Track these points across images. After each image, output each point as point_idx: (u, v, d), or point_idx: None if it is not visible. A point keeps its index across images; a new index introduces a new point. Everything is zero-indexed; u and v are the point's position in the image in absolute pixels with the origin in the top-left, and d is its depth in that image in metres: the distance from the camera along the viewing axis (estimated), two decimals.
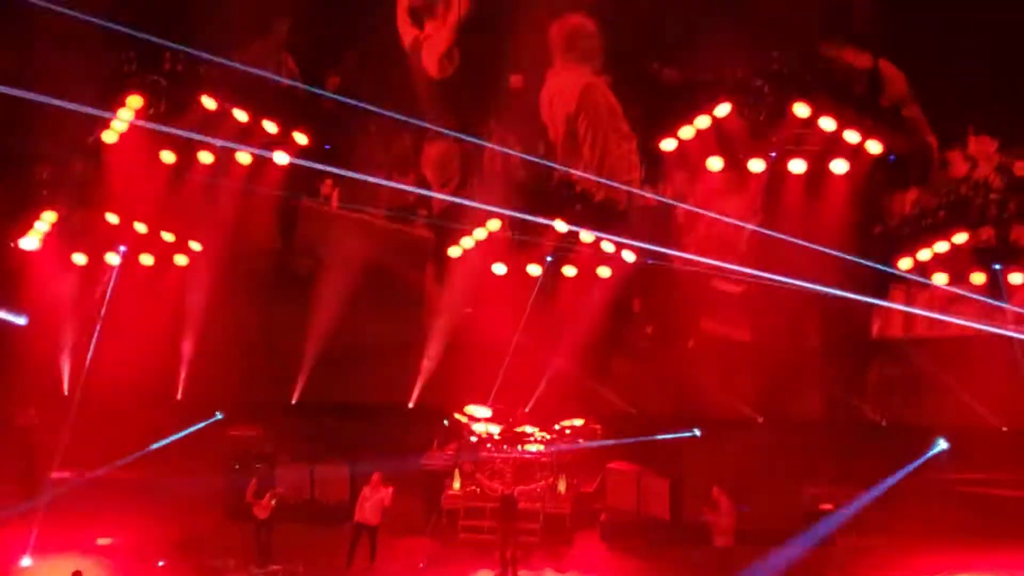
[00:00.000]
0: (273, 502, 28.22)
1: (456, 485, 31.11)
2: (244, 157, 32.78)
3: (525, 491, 29.25)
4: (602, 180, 33.69)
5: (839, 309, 32.87)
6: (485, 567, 27.98)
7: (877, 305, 33.26)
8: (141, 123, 32.13)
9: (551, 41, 34.63)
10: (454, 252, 34.13)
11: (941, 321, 32.18)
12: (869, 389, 34.52)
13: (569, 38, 34.46)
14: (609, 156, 34.36)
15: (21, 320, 33.73)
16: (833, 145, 30.93)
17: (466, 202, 32.60)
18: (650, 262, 33.18)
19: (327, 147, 34.39)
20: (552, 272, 33.64)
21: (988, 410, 32.61)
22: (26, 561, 28.51)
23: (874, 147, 31.05)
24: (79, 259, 33.80)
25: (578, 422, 32.69)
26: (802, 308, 33.48)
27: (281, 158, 32.98)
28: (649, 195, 33.83)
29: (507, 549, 27.92)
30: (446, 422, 33.13)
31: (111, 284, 33.80)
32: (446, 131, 34.07)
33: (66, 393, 35.22)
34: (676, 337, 35.11)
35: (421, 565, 27.14)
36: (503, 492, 28.66)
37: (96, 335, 33.91)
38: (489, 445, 31.69)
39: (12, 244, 33.99)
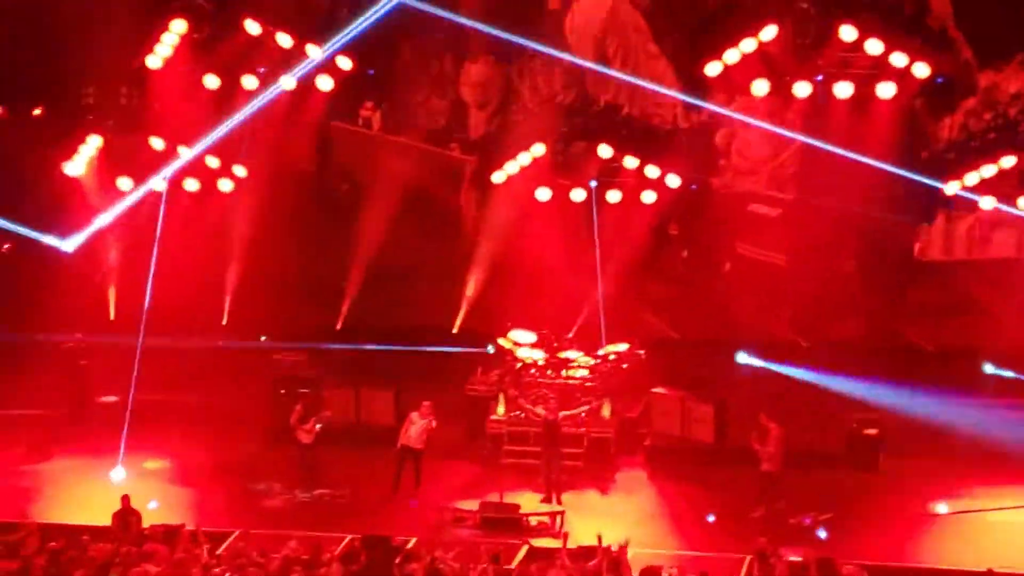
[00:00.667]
0: (318, 427, 28.37)
1: (500, 410, 31.17)
2: (288, 82, 32.69)
3: (568, 416, 29.27)
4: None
5: (879, 232, 32.74)
6: (530, 491, 28.07)
7: (918, 228, 33.14)
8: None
9: None
10: (497, 177, 34.00)
11: (982, 244, 32.09)
12: (912, 313, 34.36)
13: None
14: (641, 78, 34.17)
15: (68, 246, 33.86)
16: (880, 68, 30.62)
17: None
18: (693, 188, 33.07)
19: (371, 72, 34.32)
20: (597, 197, 33.49)
21: None
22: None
23: (921, 70, 30.73)
24: (124, 184, 33.85)
25: (622, 347, 32.67)
26: (841, 232, 33.35)
27: (325, 83, 32.90)
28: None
29: (551, 473, 28.00)
30: (490, 347, 33.17)
31: (158, 210, 33.85)
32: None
33: (112, 318, 35.42)
34: (711, 262, 34.96)
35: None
36: (547, 417, 28.70)
37: (147, 261, 34.04)
38: (533, 371, 31.73)
39: (58, 169, 34.06)
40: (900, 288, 34.23)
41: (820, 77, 31.11)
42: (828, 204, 32.39)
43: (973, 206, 31.83)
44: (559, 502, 27.62)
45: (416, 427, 28.37)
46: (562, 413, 28.98)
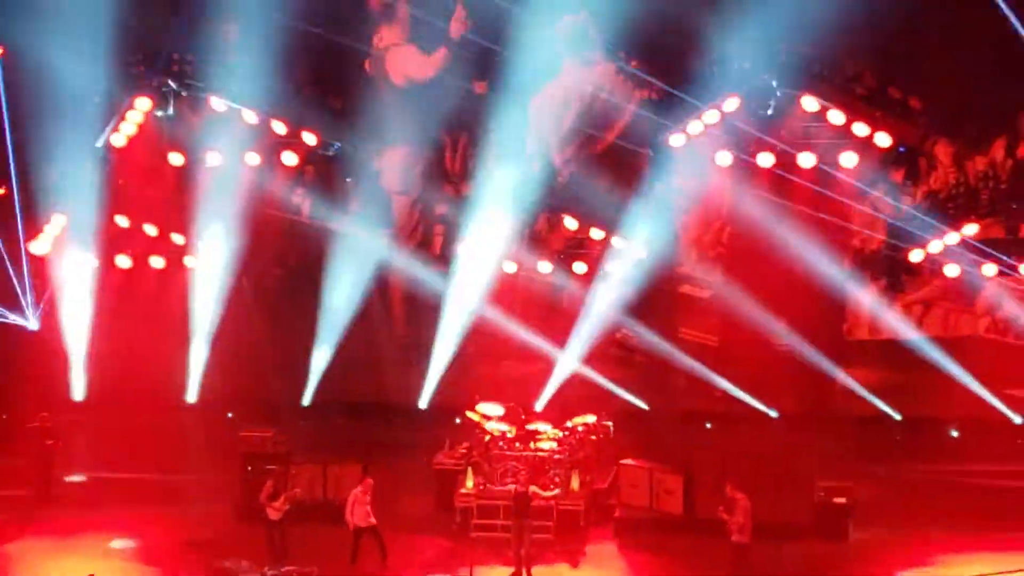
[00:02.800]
0: (287, 506, 28.26)
1: (469, 484, 31.12)
2: (253, 158, 32.76)
3: (538, 489, 29.19)
4: None
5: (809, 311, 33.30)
6: (499, 565, 27.95)
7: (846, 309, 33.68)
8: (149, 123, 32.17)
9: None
10: (464, 251, 34.08)
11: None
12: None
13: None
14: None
15: (33, 325, 33.78)
16: (842, 138, 30.86)
17: None
18: (660, 259, 33.21)
19: (336, 146, 34.43)
20: (562, 269, 33.59)
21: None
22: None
23: (883, 140, 30.99)
24: (89, 262, 33.79)
25: (590, 418, 32.69)
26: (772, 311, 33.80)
27: (290, 159, 32.99)
28: None
29: (520, 547, 27.89)
30: (458, 420, 33.16)
31: (123, 287, 33.82)
32: None
33: (77, 398, 35.25)
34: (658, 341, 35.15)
35: None
36: (516, 490, 28.60)
37: (113, 339, 33.98)
38: (502, 443, 31.69)
39: (23, 247, 34.01)
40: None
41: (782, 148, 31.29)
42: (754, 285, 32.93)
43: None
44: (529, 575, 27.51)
45: (360, 505, 28.30)
46: (532, 488, 28.88)
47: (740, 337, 34.29)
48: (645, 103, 33.02)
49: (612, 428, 32.98)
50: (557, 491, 29.78)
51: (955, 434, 33.66)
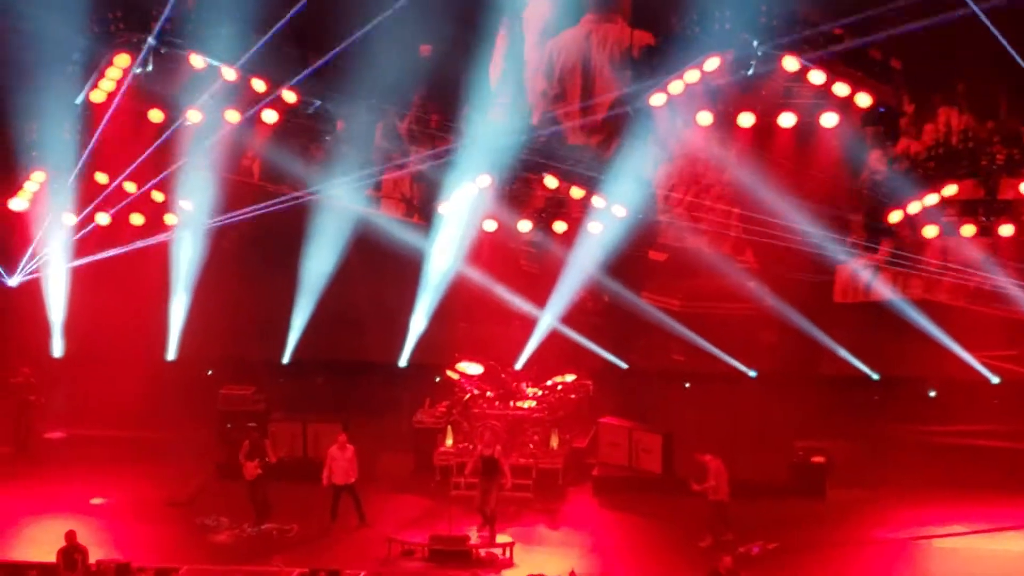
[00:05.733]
0: (259, 470, 28.31)
1: (448, 442, 31.21)
2: (233, 115, 32.61)
3: (504, 450, 29.09)
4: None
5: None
6: (471, 523, 27.99)
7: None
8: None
9: None
10: (444, 209, 33.98)
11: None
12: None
13: None
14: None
15: (12, 281, 33.71)
16: (823, 98, 30.79)
17: None
18: (640, 216, 33.14)
19: (316, 104, 34.25)
20: (543, 227, 33.50)
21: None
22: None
23: (863, 100, 30.94)
24: (69, 219, 33.69)
25: (570, 377, 32.77)
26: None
27: (270, 116, 32.84)
28: None
29: (486, 506, 27.88)
30: (438, 379, 33.21)
31: (103, 245, 33.73)
32: None
33: (56, 355, 35.22)
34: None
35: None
36: (483, 453, 28.55)
37: (92, 297, 33.90)
38: (482, 402, 31.77)
39: (2, 204, 33.88)
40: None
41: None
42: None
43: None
44: (493, 536, 27.53)
45: (339, 462, 28.38)
46: (498, 447, 28.81)
47: (708, 300, 34.43)
48: (628, 62, 32.91)
49: (591, 388, 33.10)
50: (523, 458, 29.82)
51: (933, 394, 33.76)
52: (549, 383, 32.43)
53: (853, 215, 32.20)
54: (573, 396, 32.73)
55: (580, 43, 33.96)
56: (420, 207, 34.60)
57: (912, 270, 32.97)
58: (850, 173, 32.31)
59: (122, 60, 32.43)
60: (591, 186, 32.42)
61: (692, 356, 34.42)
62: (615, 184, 32.56)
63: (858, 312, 34.05)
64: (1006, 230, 30.61)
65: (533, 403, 31.84)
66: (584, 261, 33.44)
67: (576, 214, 32.99)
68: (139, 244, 33.80)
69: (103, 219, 33.40)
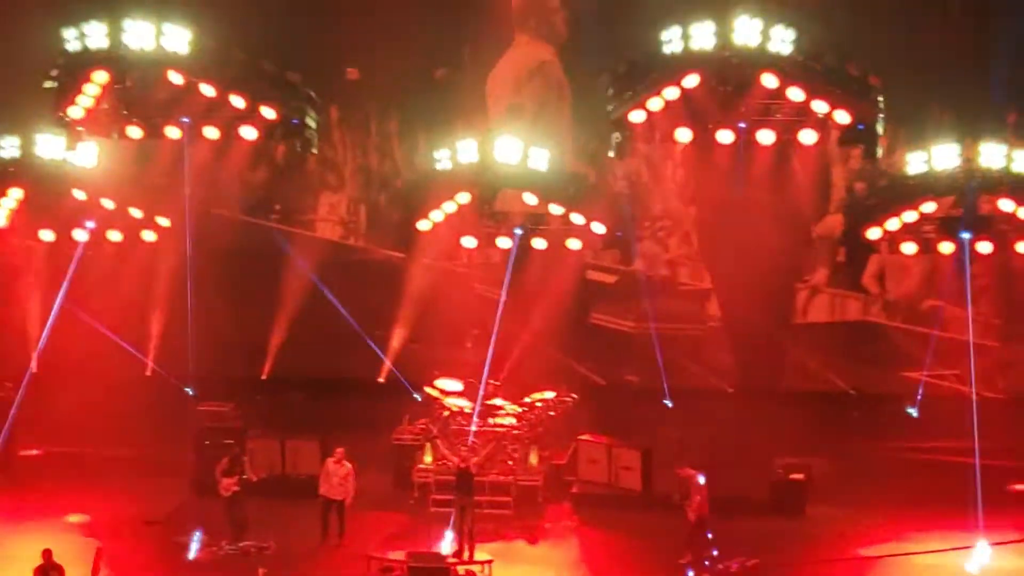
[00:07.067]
0: (236, 488, 28.24)
1: (427, 459, 31.16)
2: (212, 132, 32.54)
3: (480, 462, 29.05)
4: None
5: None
6: (447, 539, 27.90)
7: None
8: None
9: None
10: (423, 226, 33.92)
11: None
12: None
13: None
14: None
15: None
16: (802, 115, 30.82)
17: None
18: (619, 235, 33.17)
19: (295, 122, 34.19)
20: (522, 245, 33.48)
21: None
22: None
23: (842, 117, 30.96)
24: (46, 236, 33.56)
25: (549, 395, 32.74)
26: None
27: (249, 133, 32.75)
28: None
29: (464, 523, 27.81)
30: (417, 397, 33.16)
31: (81, 262, 33.63)
32: None
33: (35, 370, 35.10)
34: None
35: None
36: (458, 465, 28.47)
37: (64, 312, 33.80)
38: (460, 419, 31.74)
39: None
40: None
41: (743, 124, 31.23)
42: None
43: None
44: (472, 553, 27.44)
45: (337, 477, 28.34)
46: (474, 460, 28.83)
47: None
48: (607, 78, 32.97)
49: (574, 401, 33.12)
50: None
51: (913, 413, 33.84)
52: (528, 400, 32.39)
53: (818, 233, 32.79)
54: (552, 413, 32.70)
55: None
56: (399, 223, 34.52)
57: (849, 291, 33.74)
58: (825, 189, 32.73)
59: (100, 76, 32.33)
60: (570, 204, 32.42)
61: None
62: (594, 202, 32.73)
63: (814, 332, 34.53)
64: (984, 248, 30.65)
65: (512, 420, 31.79)
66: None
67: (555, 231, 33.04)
68: (116, 260, 33.78)
69: (81, 236, 33.28)
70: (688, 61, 30.29)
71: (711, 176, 32.71)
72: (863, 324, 35.07)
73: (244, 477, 28.45)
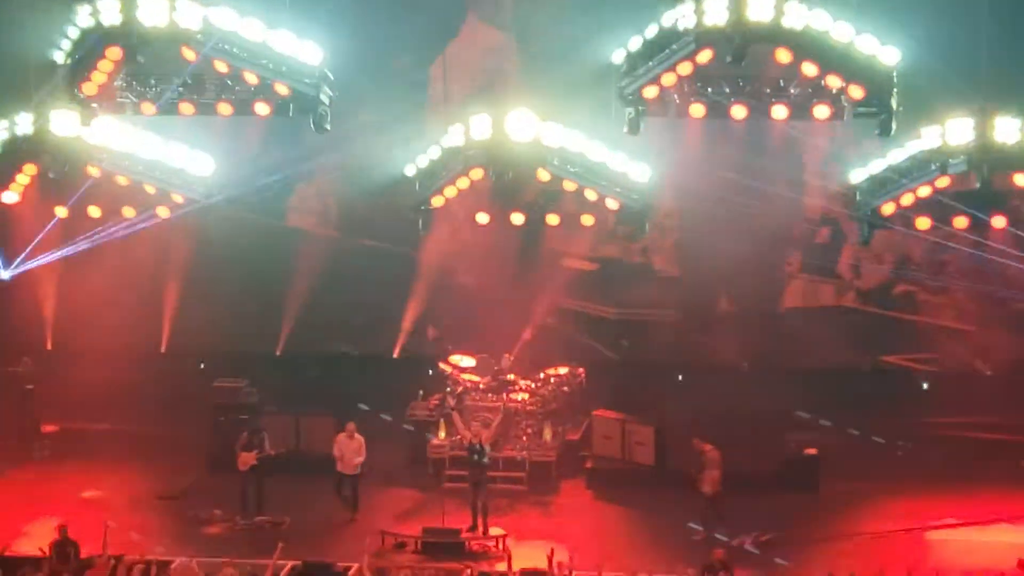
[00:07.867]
0: (253, 462, 28.32)
1: (442, 435, 31.18)
2: (225, 108, 32.50)
3: (491, 436, 28.82)
4: None
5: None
6: (461, 515, 27.94)
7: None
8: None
9: None
10: (436, 201, 33.88)
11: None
12: None
13: None
14: None
15: (5, 274, 33.63)
16: (816, 90, 30.71)
17: None
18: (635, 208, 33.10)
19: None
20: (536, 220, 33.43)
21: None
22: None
23: (856, 92, 30.86)
24: (60, 212, 33.59)
25: (563, 370, 32.77)
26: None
27: (262, 109, 32.72)
28: None
29: (477, 498, 27.83)
30: (431, 372, 33.20)
31: (97, 238, 33.65)
32: None
33: (49, 347, 35.22)
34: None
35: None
36: (469, 440, 28.37)
37: (84, 289, 33.88)
38: (475, 394, 31.78)
39: None
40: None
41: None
42: None
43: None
44: (486, 529, 27.51)
45: (348, 451, 28.42)
46: (484, 433, 28.70)
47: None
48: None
49: (584, 376, 33.15)
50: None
51: (926, 386, 33.87)
52: (542, 375, 32.42)
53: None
54: (566, 388, 32.72)
55: None
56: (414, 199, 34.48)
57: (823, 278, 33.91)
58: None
59: (113, 53, 32.32)
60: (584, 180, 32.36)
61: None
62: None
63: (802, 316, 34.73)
64: (998, 222, 30.57)
65: (526, 395, 31.83)
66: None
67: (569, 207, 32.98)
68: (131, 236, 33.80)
69: (95, 212, 33.29)
70: (702, 37, 30.18)
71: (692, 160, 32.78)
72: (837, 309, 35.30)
73: (263, 453, 28.53)
